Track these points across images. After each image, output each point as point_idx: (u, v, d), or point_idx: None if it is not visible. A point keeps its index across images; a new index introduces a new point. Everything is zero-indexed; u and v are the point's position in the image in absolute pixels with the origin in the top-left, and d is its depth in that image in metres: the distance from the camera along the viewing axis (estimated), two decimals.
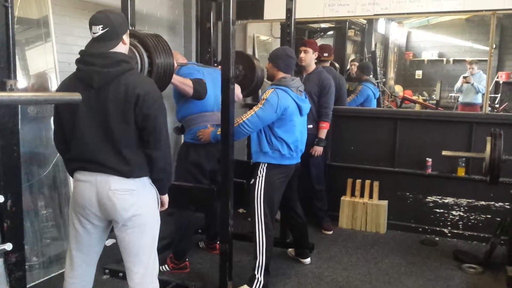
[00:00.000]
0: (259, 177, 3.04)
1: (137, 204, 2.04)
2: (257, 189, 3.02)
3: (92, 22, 2.00)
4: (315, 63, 4.20)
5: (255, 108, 2.93)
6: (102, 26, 1.98)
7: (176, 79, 2.94)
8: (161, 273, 2.46)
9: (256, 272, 2.99)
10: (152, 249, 2.15)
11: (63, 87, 2.08)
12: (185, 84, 3.01)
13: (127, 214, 2.02)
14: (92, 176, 2.01)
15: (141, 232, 2.08)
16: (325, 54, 4.62)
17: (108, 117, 1.97)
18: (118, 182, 2.00)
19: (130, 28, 2.69)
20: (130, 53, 2.51)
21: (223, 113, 2.69)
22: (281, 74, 3.09)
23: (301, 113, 3.11)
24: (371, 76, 5.63)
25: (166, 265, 3.36)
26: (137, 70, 2.31)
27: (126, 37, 2.09)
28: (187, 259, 3.40)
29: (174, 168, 3.18)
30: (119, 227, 2.07)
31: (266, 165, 3.04)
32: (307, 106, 3.17)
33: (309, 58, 4.05)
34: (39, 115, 3.17)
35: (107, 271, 3.17)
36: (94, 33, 2.00)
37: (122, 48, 2.07)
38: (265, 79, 3.72)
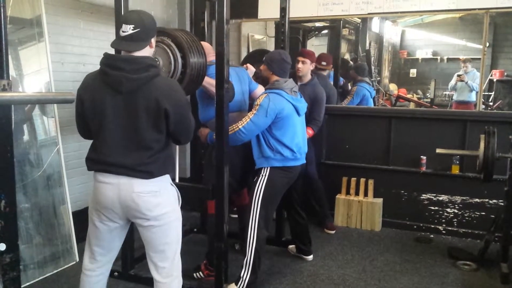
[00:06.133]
0: (262, 175, 3.04)
1: (161, 204, 2.09)
2: (257, 187, 3.02)
3: (124, 21, 2.01)
4: (312, 70, 4.17)
5: (250, 115, 2.93)
6: (133, 26, 1.98)
7: (205, 80, 2.85)
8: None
9: (243, 270, 2.98)
10: (177, 245, 2.22)
11: (87, 87, 2.06)
12: (213, 85, 2.76)
13: (151, 214, 2.07)
14: (115, 179, 2.04)
15: (166, 230, 2.14)
16: (323, 63, 4.61)
17: (138, 123, 1.99)
18: (141, 184, 2.04)
19: None
20: (165, 54, 2.53)
21: (218, 113, 2.68)
22: (274, 78, 3.10)
23: (298, 113, 3.12)
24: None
25: (200, 272, 3.26)
26: (164, 73, 2.31)
27: (153, 41, 2.10)
28: None
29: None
30: (144, 227, 2.12)
31: (269, 167, 3.05)
32: (303, 105, 3.17)
33: (306, 69, 3.99)
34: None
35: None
36: (123, 32, 1.99)
37: (148, 51, 2.08)
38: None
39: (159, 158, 2.06)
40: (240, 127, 2.91)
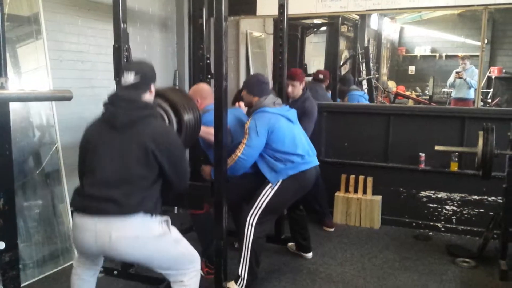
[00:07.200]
0: (274, 184, 3.00)
1: (144, 248, 2.06)
2: (266, 189, 2.99)
3: (126, 68, 2.20)
4: (310, 82, 4.19)
5: (244, 141, 2.95)
6: (134, 72, 2.15)
7: (201, 130, 2.84)
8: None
9: (240, 270, 2.97)
10: (181, 258, 2.22)
11: (88, 129, 2.19)
12: (211, 134, 2.79)
13: (133, 258, 2.13)
14: (92, 224, 2.00)
15: (159, 260, 2.16)
16: (321, 76, 4.69)
17: (131, 160, 2.04)
18: (119, 228, 1.99)
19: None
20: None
21: (217, 110, 2.67)
22: (255, 99, 3.12)
23: (291, 121, 3.11)
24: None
25: (200, 271, 3.28)
26: (159, 116, 2.38)
27: (153, 87, 2.25)
28: None
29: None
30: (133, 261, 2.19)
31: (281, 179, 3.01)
32: (292, 112, 3.18)
33: (296, 91, 3.99)
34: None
35: (101, 269, 3.14)
36: (125, 81, 2.15)
37: (149, 97, 2.23)
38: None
39: (139, 194, 2.03)
40: (238, 154, 2.93)
